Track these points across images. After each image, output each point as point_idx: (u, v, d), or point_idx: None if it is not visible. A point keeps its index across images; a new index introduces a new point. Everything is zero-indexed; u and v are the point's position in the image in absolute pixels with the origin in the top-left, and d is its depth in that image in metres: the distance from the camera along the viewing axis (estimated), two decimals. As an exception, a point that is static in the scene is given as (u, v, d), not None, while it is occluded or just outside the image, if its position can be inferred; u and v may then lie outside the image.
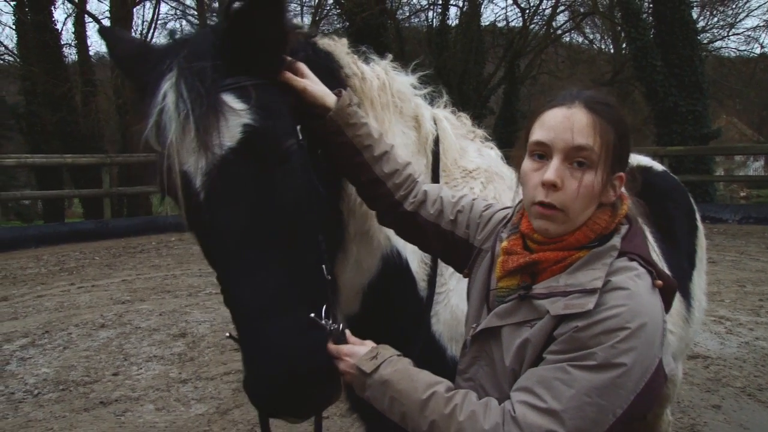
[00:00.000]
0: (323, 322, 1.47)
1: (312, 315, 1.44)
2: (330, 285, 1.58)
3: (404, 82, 2.14)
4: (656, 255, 2.51)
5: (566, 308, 1.27)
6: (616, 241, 1.36)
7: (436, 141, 2.14)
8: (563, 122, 1.37)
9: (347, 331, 1.53)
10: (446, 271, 2.02)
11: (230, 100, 1.45)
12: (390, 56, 2.17)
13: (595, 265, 1.32)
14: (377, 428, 2.19)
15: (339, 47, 1.95)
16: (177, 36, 1.64)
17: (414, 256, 2.04)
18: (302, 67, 1.66)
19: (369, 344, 1.51)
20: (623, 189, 1.46)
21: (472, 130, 2.40)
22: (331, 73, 1.85)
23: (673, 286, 1.41)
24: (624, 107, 1.57)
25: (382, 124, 1.96)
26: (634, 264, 1.33)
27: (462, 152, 2.23)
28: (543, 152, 1.39)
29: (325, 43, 1.92)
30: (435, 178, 2.10)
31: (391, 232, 1.95)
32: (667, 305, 1.39)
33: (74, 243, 12.46)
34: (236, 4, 1.46)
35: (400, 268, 2.01)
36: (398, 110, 2.06)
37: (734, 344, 5.95)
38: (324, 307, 1.49)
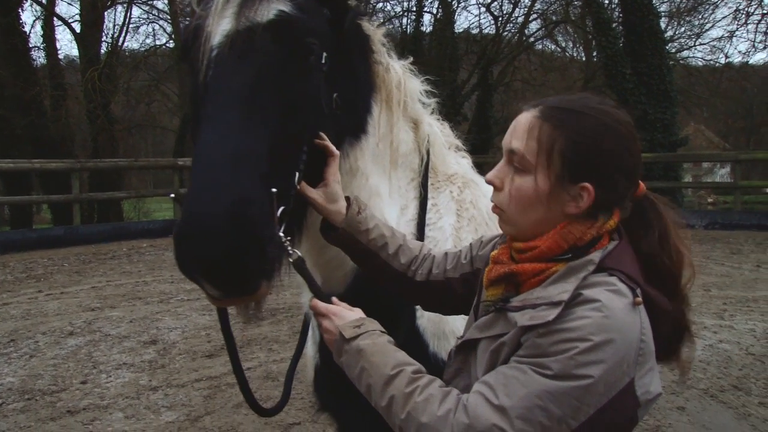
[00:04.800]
0: (280, 232, 1.48)
1: (274, 190, 1.41)
2: (295, 202, 1.59)
3: (415, 85, 2.25)
4: None
5: (531, 320, 1.26)
6: (594, 256, 1.32)
7: (429, 143, 2.25)
8: (512, 125, 1.42)
9: (333, 298, 1.57)
10: None
11: None
12: (410, 58, 2.30)
13: (569, 279, 1.29)
14: (348, 425, 2.21)
15: (377, 34, 2.08)
16: None
17: None
18: (333, 162, 1.73)
19: (358, 313, 1.52)
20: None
21: (451, 140, 2.50)
22: (364, 55, 1.99)
23: (666, 308, 1.34)
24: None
25: (391, 118, 2.09)
26: (613, 279, 1.28)
27: (445, 158, 2.36)
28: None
29: (367, 26, 2.03)
30: (425, 176, 2.20)
31: (386, 215, 2.03)
32: (662, 329, 1.32)
33: (43, 249, 12.26)
34: None
35: None
36: (405, 109, 2.17)
37: (699, 347, 6.06)
38: (282, 208, 1.49)
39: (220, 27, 1.56)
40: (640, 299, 1.27)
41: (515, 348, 1.30)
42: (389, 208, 2.07)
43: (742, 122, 36.54)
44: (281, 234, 1.48)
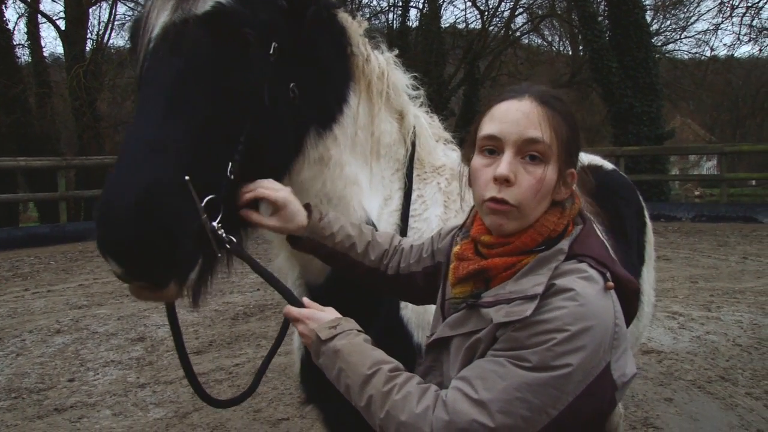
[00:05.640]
0: (210, 220, 1.46)
1: (187, 178, 1.40)
2: (232, 187, 1.58)
3: (400, 77, 2.24)
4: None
5: (507, 315, 1.25)
6: (563, 244, 1.32)
7: (414, 135, 2.24)
8: (514, 114, 1.33)
9: (305, 299, 1.57)
10: None
11: None
12: (396, 50, 2.29)
13: (540, 270, 1.28)
14: (334, 416, 2.20)
15: (355, 26, 2.04)
16: None
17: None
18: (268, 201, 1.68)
19: (332, 313, 1.52)
20: (575, 188, 1.43)
21: (439, 132, 2.49)
22: (339, 49, 1.97)
23: (635, 288, 1.36)
24: (582, 108, 1.66)
25: (372, 108, 2.08)
26: (583, 266, 1.28)
27: (432, 149, 2.34)
28: (494, 147, 1.35)
29: (344, 17, 2.00)
30: (410, 167, 2.19)
31: (366, 204, 2.02)
32: (631, 308, 1.36)
33: (29, 248, 12.13)
34: None
35: None
36: (388, 100, 2.16)
37: (686, 339, 6.12)
38: (210, 197, 1.47)
39: (160, 19, 1.56)
40: (611, 284, 1.28)
41: (491, 343, 1.29)
42: (370, 198, 2.07)
43: (727, 115, 36.76)
44: (214, 224, 1.47)
